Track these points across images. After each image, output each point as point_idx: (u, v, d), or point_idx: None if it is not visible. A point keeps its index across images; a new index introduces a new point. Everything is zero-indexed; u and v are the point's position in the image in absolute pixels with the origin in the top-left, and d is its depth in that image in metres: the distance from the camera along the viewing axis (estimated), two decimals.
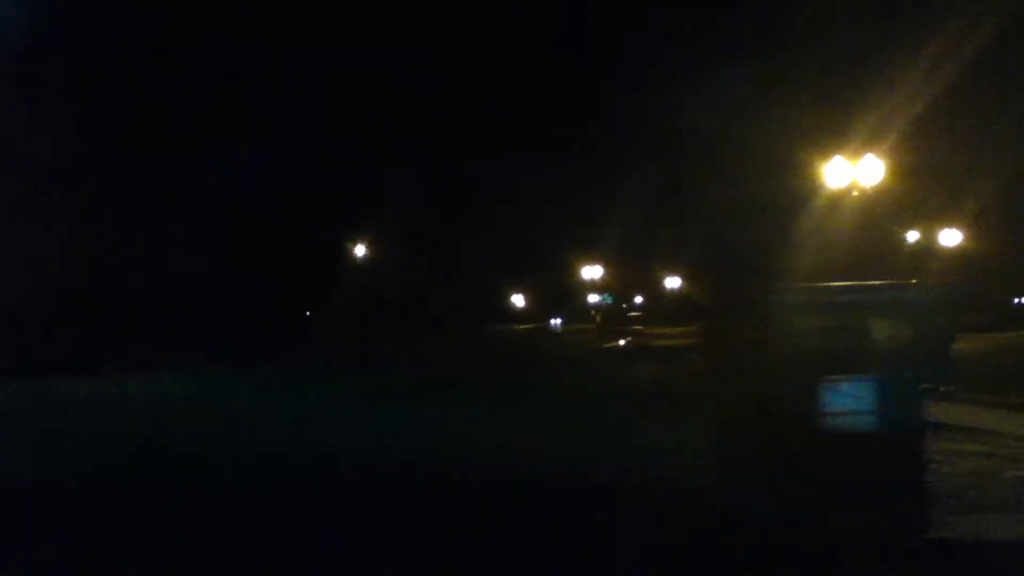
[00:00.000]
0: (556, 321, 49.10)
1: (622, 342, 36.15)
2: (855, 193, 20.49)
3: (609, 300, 60.10)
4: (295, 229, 46.34)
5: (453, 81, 41.44)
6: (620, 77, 30.04)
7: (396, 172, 45.79)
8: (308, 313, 51.47)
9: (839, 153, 20.58)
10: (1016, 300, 47.74)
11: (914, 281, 8.04)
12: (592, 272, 42.95)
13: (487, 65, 39.30)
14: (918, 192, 22.31)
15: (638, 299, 57.79)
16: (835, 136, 20.61)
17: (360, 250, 51.53)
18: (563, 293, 53.77)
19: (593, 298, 54.50)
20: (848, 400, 5.61)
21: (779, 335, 5.69)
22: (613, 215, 38.72)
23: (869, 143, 20.50)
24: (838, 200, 20.71)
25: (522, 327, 47.62)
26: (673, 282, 47.63)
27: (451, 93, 40.69)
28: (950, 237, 32.06)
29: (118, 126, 37.03)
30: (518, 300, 52.36)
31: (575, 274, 49.25)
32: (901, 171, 20.56)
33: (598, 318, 53.30)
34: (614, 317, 52.83)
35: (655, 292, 51.88)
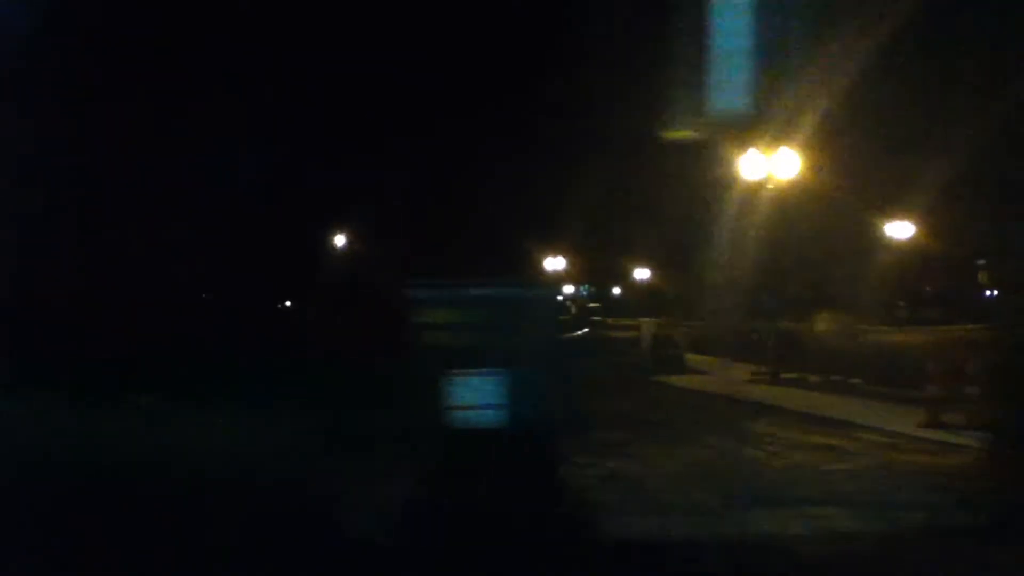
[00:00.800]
0: None
1: (579, 333, 36.24)
2: (770, 186, 20.49)
3: (588, 291, 59.94)
4: (276, 226, 46.70)
5: (429, 77, 41.37)
6: (566, 71, 29.98)
7: (373, 168, 45.79)
8: (288, 303, 51.80)
9: (754, 146, 20.55)
10: (987, 293, 47.47)
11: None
12: (555, 263, 42.94)
13: (458, 60, 39.26)
14: (838, 186, 22.27)
15: (616, 290, 57.85)
16: (753, 128, 20.54)
17: (339, 243, 51.77)
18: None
19: (568, 289, 54.48)
20: (473, 394, 5.65)
21: (410, 328, 5.76)
22: (578, 207, 38.63)
23: (785, 136, 20.47)
24: (754, 193, 20.71)
25: None
26: (642, 274, 47.71)
27: (427, 89, 40.67)
28: (901, 229, 31.95)
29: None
30: None
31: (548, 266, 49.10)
32: (820, 165, 20.56)
33: (573, 309, 53.23)
34: (590, 309, 52.90)
35: (629, 284, 51.95)
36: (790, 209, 20.90)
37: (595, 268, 50.14)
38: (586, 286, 59.56)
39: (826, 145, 21.06)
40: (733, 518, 8.17)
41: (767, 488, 9.55)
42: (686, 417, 14.93)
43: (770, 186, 20.39)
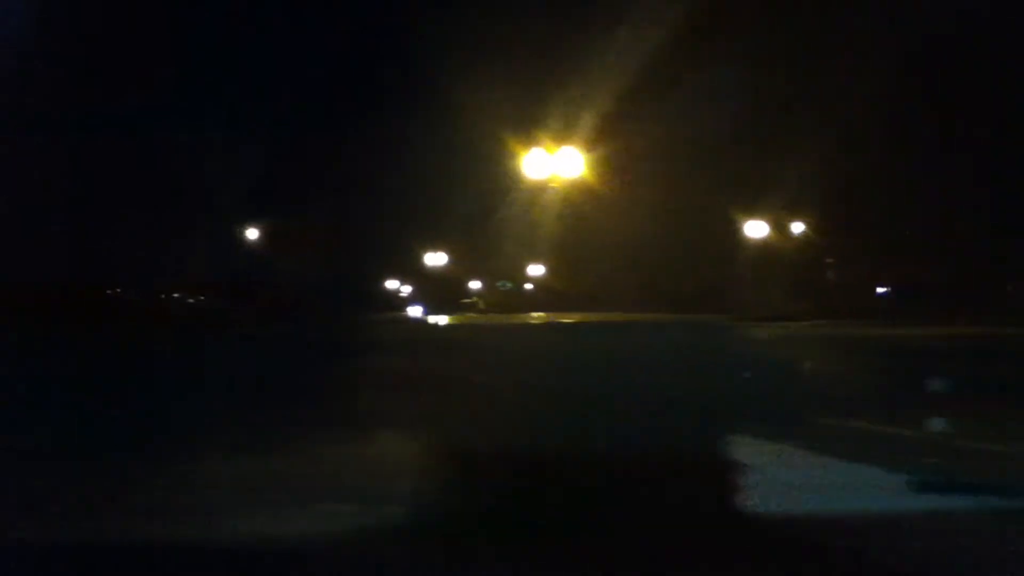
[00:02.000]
0: (416, 309, 47.93)
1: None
2: (554, 186, 20.69)
3: (508, 286, 59.86)
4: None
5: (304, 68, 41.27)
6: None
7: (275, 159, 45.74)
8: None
9: (538, 145, 20.73)
10: (879, 290, 47.97)
11: None
12: (436, 259, 42.75)
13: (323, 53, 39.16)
14: (622, 186, 22.43)
15: (528, 285, 57.92)
16: (537, 126, 20.75)
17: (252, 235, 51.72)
18: (449, 278, 53.65)
19: (475, 284, 54.46)
20: None
21: None
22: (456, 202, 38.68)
23: (570, 135, 20.67)
24: (538, 192, 20.93)
25: (392, 315, 47.52)
26: (536, 269, 47.70)
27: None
28: (757, 229, 32.27)
29: None
30: (399, 287, 52.10)
31: (452, 260, 48.94)
32: (603, 164, 20.73)
33: (480, 305, 53.28)
34: (501, 304, 53.06)
35: (532, 279, 51.98)
36: (582, 208, 21.18)
37: (497, 263, 50.09)
38: (504, 282, 59.51)
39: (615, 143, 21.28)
40: (219, 519, 8.19)
41: (337, 487, 9.60)
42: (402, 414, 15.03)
43: (554, 185, 20.60)
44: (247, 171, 41.02)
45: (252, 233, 49.64)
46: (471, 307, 48.10)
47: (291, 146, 37.55)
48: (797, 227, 33.02)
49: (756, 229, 32.03)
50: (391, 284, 50.44)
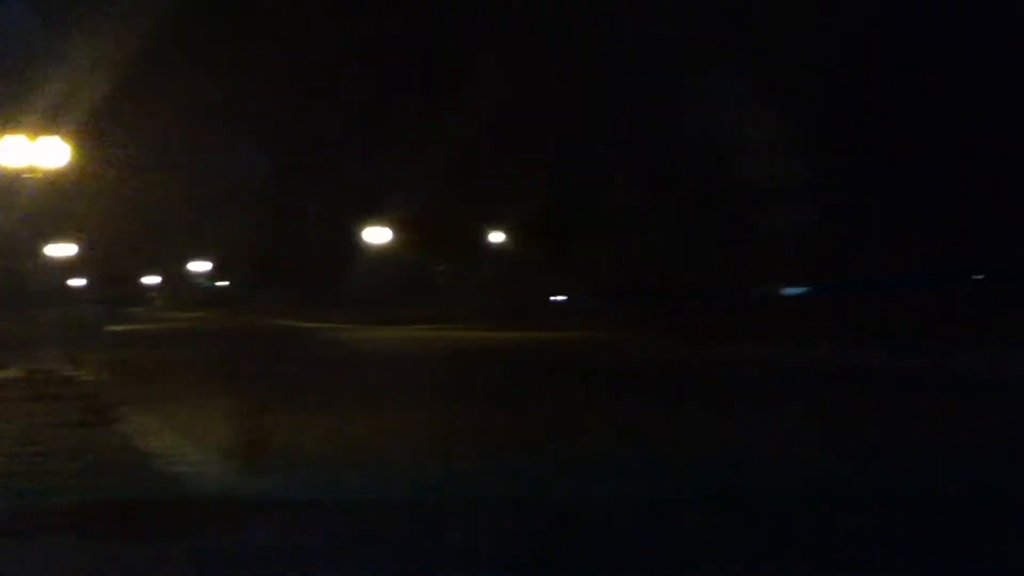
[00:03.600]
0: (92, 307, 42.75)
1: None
2: (34, 175, 19.06)
3: (208, 284, 57.22)
4: None
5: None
6: None
7: None
8: None
9: (22, 131, 19.07)
10: (554, 298, 48.76)
11: None
12: (61, 250, 39.76)
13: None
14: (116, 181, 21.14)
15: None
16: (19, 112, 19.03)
17: None
18: (122, 273, 50.41)
19: (152, 279, 51.73)
20: None
21: None
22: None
23: (54, 124, 19.13)
24: (16, 181, 19.25)
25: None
26: (201, 266, 45.51)
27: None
28: (378, 235, 31.46)
29: None
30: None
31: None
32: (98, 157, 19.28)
33: (158, 301, 50.99)
34: (174, 299, 50.97)
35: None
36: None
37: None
38: (204, 279, 57.08)
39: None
40: None
41: None
42: None
43: (31, 176, 18.97)
44: None
45: None
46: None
47: None
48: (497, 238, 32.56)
49: (376, 235, 31.19)
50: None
